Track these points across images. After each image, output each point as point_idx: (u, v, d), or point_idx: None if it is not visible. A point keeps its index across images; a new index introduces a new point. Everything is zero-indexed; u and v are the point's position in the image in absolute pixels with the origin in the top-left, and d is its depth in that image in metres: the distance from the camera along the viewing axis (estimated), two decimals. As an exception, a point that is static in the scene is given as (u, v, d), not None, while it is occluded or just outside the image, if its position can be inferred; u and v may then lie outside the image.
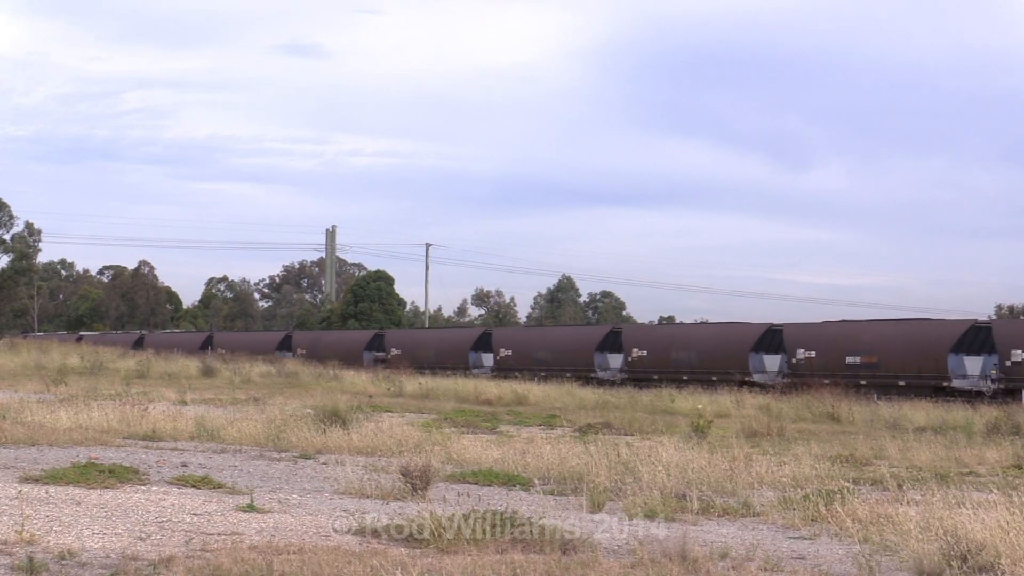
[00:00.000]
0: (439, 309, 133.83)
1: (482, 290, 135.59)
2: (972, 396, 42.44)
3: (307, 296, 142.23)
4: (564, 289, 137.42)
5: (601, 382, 50.23)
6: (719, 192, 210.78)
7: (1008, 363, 44.11)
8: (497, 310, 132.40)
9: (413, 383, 45.67)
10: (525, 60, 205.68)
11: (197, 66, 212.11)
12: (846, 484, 15.84)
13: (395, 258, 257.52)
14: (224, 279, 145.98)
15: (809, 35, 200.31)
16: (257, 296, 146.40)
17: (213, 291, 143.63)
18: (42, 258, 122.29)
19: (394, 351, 67.14)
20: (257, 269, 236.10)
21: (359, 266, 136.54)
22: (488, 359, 63.42)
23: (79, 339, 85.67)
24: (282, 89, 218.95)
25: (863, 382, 45.92)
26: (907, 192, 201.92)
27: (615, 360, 57.57)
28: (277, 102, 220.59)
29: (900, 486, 16.59)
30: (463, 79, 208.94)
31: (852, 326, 52.24)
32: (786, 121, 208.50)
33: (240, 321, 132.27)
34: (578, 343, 59.93)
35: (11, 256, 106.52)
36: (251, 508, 13.29)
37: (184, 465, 17.33)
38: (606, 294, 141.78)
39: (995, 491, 14.98)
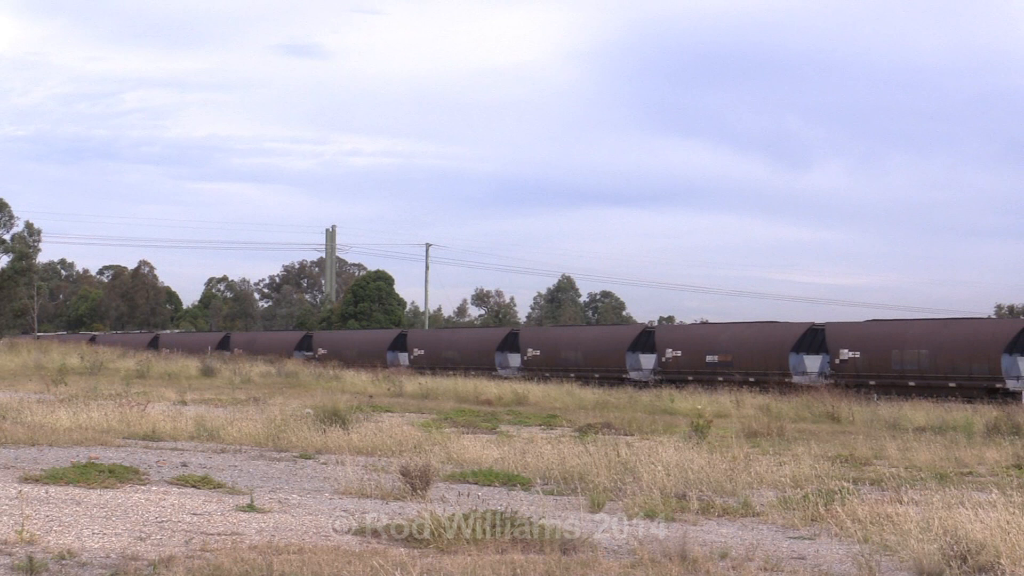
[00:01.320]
0: (439, 309, 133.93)
1: (482, 290, 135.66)
2: (809, 390, 45.40)
3: (307, 296, 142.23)
4: (564, 289, 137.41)
5: (501, 378, 54.10)
6: (719, 192, 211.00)
7: (837, 361, 49.28)
8: (497, 310, 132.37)
9: (413, 383, 45.68)
10: (525, 60, 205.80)
11: (197, 66, 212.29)
12: (846, 484, 15.83)
13: (395, 258, 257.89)
14: (224, 279, 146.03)
15: (809, 35, 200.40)
16: (257, 296, 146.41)
17: (213, 291, 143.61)
18: (42, 258, 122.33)
19: (321, 351, 72.28)
20: (257, 269, 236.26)
21: (359, 266, 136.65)
22: (404, 358, 68.58)
23: (37, 337, 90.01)
24: (281, 89, 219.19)
25: (720, 379, 49.89)
26: (906, 192, 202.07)
27: (514, 359, 62.99)
28: (276, 102, 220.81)
29: (900, 486, 16.59)
30: (463, 79, 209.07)
31: (711, 328, 58.25)
32: (785, 121, 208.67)
33: (240, 321, 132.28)
34: (482, 343, 65.73)
35: (11, 256, 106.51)
36: (251, 508, 13.29)
37: (184, 465, 17.33)
38: (606, 294, 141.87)
39: (995, 491, 14.98)
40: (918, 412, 34.92)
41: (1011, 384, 45.29)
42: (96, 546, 10.77)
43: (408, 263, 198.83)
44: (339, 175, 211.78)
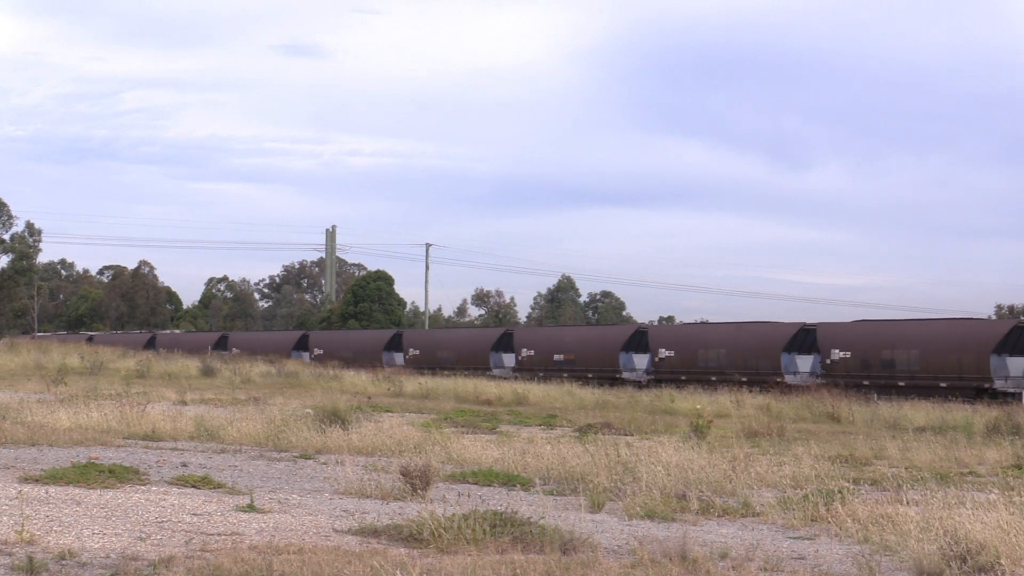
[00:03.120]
0: (439, 309, 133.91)
1: (482, 290, 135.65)
2: (636, 384, 54.02)
3: (307, 296, 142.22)
4: (564, 289, 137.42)
5: (386, 371, 59.75)
6: (719, 192, 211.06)
7: (657, 359, 57.39)
8: (497, 310, 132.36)
9: (413, 383, 45.68)
10: (525, 60, 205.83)
11: (196, 66, 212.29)
12: (846, 484, 15.84)
13: (395, 258, 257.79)
14: (224, 279, 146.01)
15: (809, 35, 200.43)
16: (257, 296, 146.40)
17: (213, 291, 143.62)
18: (42, 258, 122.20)
19: (235, 350, 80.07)
20: (257, 269, 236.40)
21: (359, 266, 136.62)
22: (306, 356, 77.35)
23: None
24: (281, 89, 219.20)
25: (565, 374, 56.97)
26: (907, 192, 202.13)
27: (399, 358, 71.95)
28: (276, 102, 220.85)
29: (900, 486, 16.59)
30: (463, 79, 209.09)
31: (559, 331, 69.09)
32: (785, 121, 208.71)
33: (240, 321, 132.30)
34: (371, 343, 75.67)
35: (11, 256, 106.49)
36: (251, 508, 13.28)
37: (184, 465, 17.33)
38: (606, 294, 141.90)
39: (995, 491, 14.99)
40: (918, 412, 34.93)
41: (788, 378, 52.34)
42: (96, 546, 10.77)
43: (408, 263, 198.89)
44: (339, 175, 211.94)
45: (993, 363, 46.90)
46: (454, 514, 11.76)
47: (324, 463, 18.47)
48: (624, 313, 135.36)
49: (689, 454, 17.94)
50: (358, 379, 48.47)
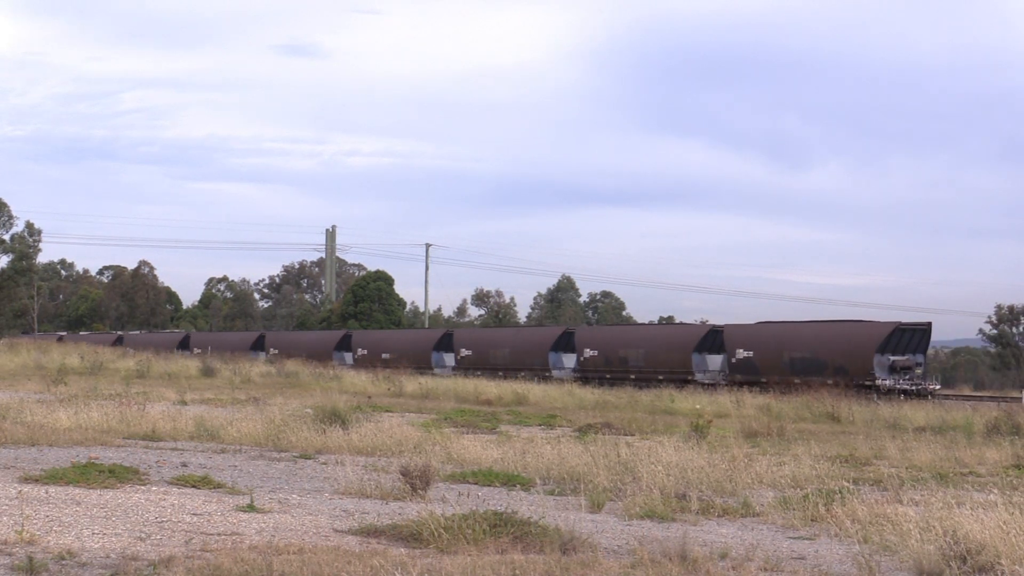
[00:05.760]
0: (439, 309, 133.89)
1: (482, 290, 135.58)
2: (444, 376, 60.50)
3: (307, 296, 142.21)
4: (564, 289, 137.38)
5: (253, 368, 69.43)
6: (718, 192, 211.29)
7: (459, 356, 68.85)
8: (497, 310, 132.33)
9: (413, 383, 45.68)
10: (525, 60, 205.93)
11: (195, 66, 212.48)
12: (846, 484, 15.84)
13: (395, 258, 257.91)
14: (224, 279, 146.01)
15: (808, 35, 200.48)
16: (257, 296, 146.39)
17: (213, 291, 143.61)
18: (42, 258, 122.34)
19: (129, 349, 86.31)
20: (257, 269, 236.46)
21: (359, 266, 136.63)
22: (188, 353, 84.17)
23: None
24: (280, 89, 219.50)
25: (388, 369, 64.15)
26: (907, 192, 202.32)
27: (260, 355, 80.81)
28: (275, 102, 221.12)
29: (900, 486, 16.60)
30: (462, 79, 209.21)
31: (384, 334, 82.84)
32: (784, 121, 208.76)
33: (240, 321, 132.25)
34: (239, 343, 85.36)
35: (11, 256, 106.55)
36: (251, 508, 13.28)
37: (184, 465, 17.33)
38: (606, 294, 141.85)
39: (995, 491, 14.99)
40: (918, 412, 34.97)
41: (555, 373, 62.43)
42: (96, 546, 10.77)
43: (408, 263, 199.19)
44: (338, 175, 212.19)
45: (695, 360, 57.14)
46: (454, 514, 11.76)
47: (324, 463, 18.48)
48: (624, 313, 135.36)
49: (689, 454, 17.95)
50: (358, 379, 48.48)
